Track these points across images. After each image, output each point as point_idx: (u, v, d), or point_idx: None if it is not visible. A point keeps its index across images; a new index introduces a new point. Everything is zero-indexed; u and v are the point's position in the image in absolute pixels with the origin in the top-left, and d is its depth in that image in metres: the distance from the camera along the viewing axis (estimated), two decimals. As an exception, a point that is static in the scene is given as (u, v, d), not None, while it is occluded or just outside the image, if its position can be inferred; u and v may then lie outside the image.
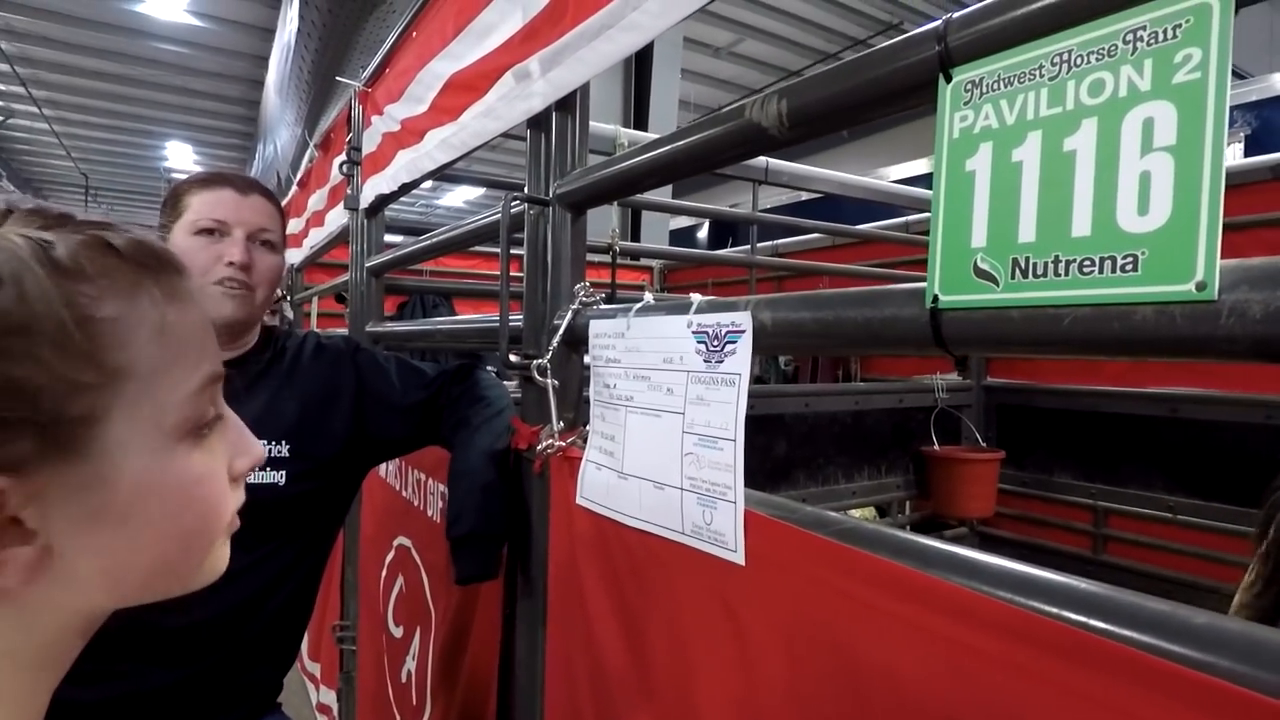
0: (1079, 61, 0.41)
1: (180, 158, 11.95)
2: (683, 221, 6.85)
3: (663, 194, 3.63)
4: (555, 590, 0.91)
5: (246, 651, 0.97)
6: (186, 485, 0.39)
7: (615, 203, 2.20)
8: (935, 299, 0.47)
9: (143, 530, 0.37)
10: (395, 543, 1.52)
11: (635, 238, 5.00)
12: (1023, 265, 0.43)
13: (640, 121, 5.27)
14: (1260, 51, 7.28)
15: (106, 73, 8.46)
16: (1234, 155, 3.89)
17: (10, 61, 7.82)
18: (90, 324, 0.34)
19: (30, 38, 7.52)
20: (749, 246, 2.57)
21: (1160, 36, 0.37)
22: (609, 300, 0.94)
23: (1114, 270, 0.39)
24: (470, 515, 0.97)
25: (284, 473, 0.97)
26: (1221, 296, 0.35)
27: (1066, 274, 0.41)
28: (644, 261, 4.06)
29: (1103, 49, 0.40)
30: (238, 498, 0.44)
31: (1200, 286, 0.35)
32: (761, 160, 2.14)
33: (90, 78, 8.59)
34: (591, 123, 1.03)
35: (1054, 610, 0.40)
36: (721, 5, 6.96)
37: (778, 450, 2.28)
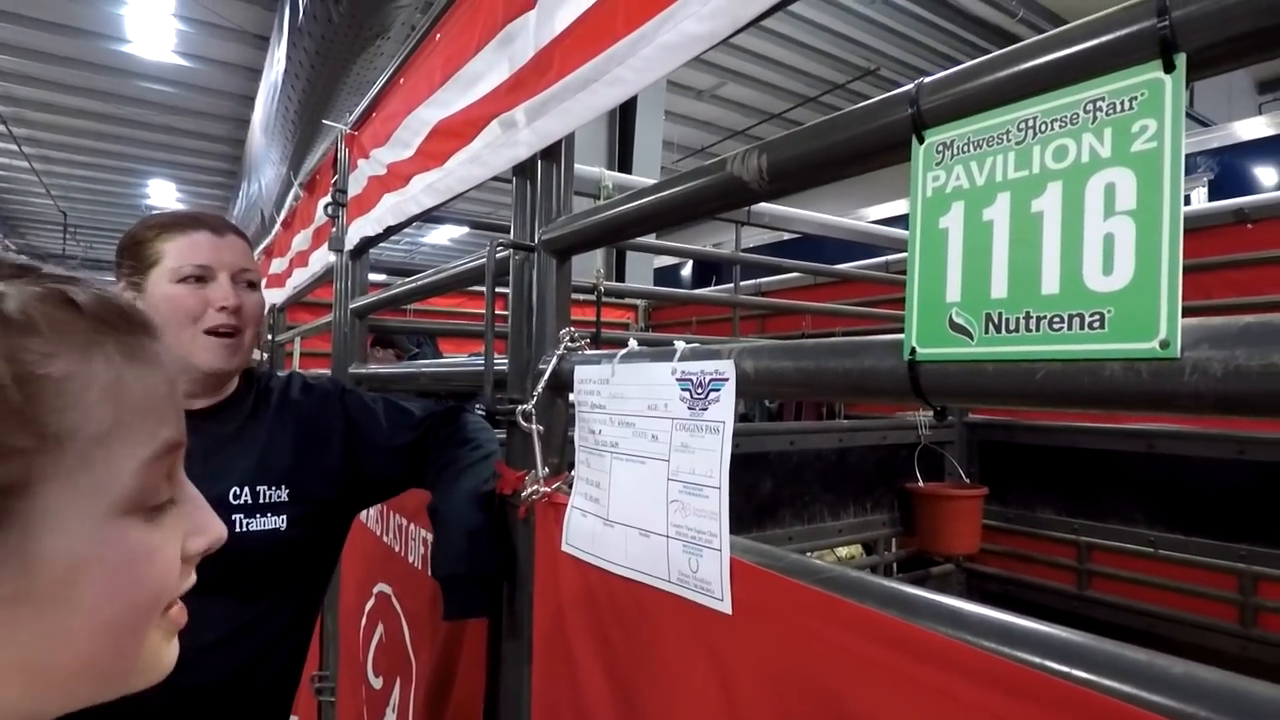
0: (1044, 128, 0.43)
1: (163, 196, 11.92)
2: (668, 260, 6.93)
3: (646, 236, 3.69)
4: (540, 639, 0.90)
5: (249, 711, 0.95)
6: (127, 564, 0.34)
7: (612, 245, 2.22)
8: (913, 351, 0.49)
9: (70, 618, 0.32)
10: (375, 590, 1.50)
11: (620, 276, 5.04)
12: (996, 320, 0.44)
13: (625, 162, 5.36)
14: (1220, 101, 7.60)
15: (90, 111, 8.48)
16: (1199, 199, 4.03)
17: (-8, 100, 7.84)
18: (32, 382, 0.31)
19: (13, 76, 7.54)
20: (732, 285, 2.61)
21: (1118, 107, 0.40)
22: (594, 339, 0.94)
23: (1082, 327, 0.40)
24: (456, 556, 0.96)
25: (284, 517, 0.96)
26: (1184, 354, 0.36)
27: (1038, 329, 0.42)
28: (629, 300, 4.08)
29: (1065, 117, 0.42)
30: (185, 582, 0.39)
31: (1164, 344, 0.37)
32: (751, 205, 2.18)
33: (73, 116, 8.60)
34: (578, 166, 1.06)
35: (1037, 660, 0.41)
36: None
37: (763, 488, 2.28)
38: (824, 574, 0.55)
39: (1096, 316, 0.40)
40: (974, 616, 0.46)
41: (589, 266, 2.29)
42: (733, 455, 0.62)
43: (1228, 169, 4.29)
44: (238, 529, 0.92)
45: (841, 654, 0.51)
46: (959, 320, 0.46)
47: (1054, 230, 0.42)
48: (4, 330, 0.31)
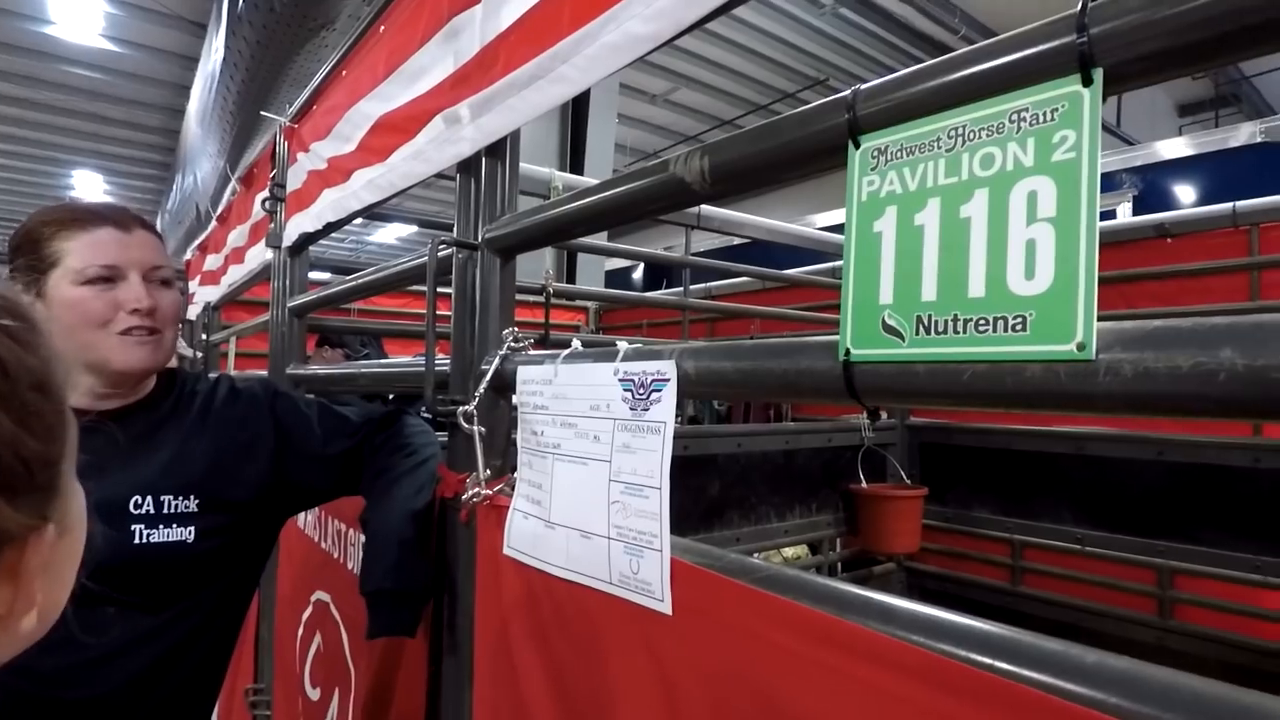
0: (971, 136, 0.44)
1: (89, 187, 11.34)
2: (619, 262, 6.94)
3: (599, 236, 3.68)
4: (482, 644, 0.88)
5: None
6: None
7: (556, 244, 2.21)
8: (848, 352, 0.50)
9: None
10: (313, 598, 1.45)
11: (571, 278, 5.02)
12: (926, 322, 0.45)
13: (577, 164, 5.34)
14: (1144, 121, 8.03)
15: (8, 96, 8.00)
16: (1124, 214, 4.24)
17: (-100, 81, 7.34)
18: None
19: (-75, 57, 7.08)
20: (682, 289, 2.62)
21: (1040, 118, 0.41)
22: (543, 341, 0.94)
23: (1006, 329, 0.42)
24: (384, 571, 0.93)
25: (192, 529, 0.91)
26: (1099, 356, 0.38)
27: (965, 331, 0.43)
28: (580, 302, 4.07)
29: (992, 126, 0.43)
30: None
31: (1080, 347, 0.38)
32: (695, 206, 2.20)
33: (-9, 101, 8.13)
34: (527, 165, 1.04)
35: (963, 653, 0.42)
36: (657, 55, 7.17)
37: (711, 490, 2.29)
38: (760, 573, 0.56)
39: (1019, 319, 0.41)
40: (904, 612, 0.47)
41: (539, 268, 2.27)
42: (681, 457, 0.62)
43: (1150, 186, 4.53)
44: (136, 540, 0.86)
45: (777, 651, 0.52)
46: (891, 322, 0.47)
47: (980, 235, 0.43)
48: None
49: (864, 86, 0.50)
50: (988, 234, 0.43)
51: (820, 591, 0.51)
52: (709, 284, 3.61)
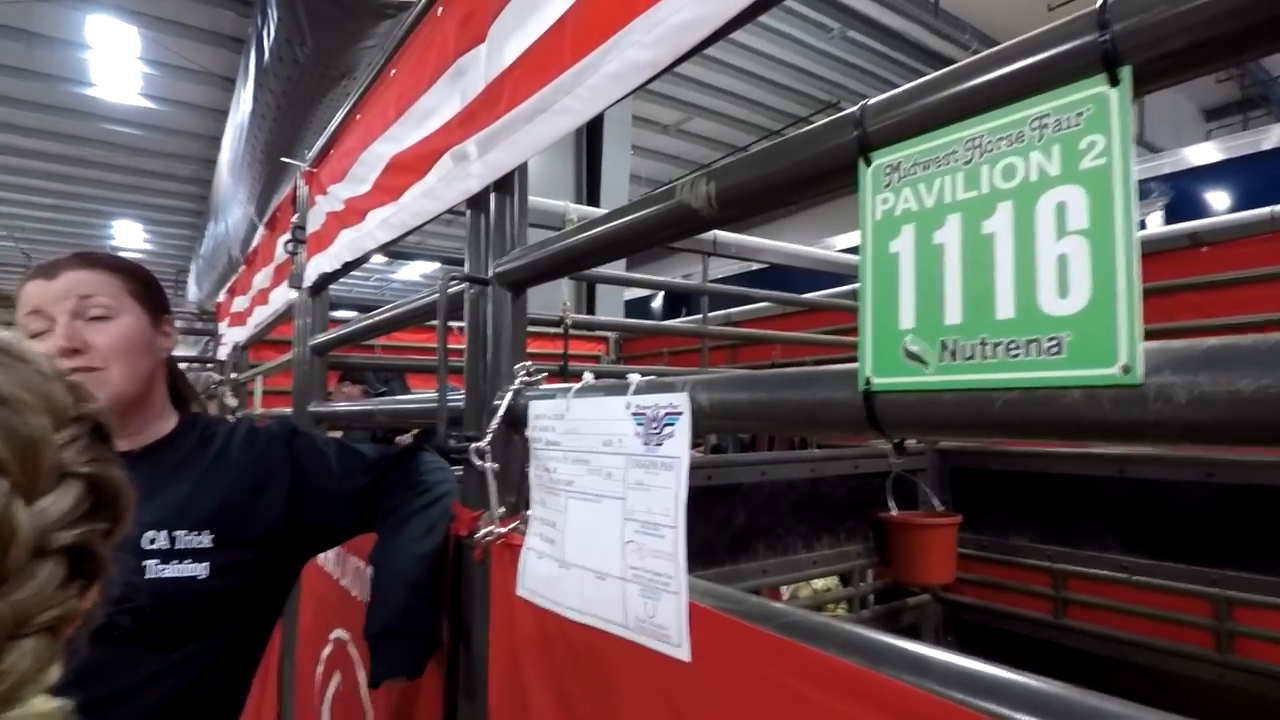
0: (991, 147, 0.41)
1: (129, 237, 11.74)
2: (639, 291, 6.94)
3: (616, 266, 3.69)
4: (496, 688, 0.85)
5: None
6: None
7: (567, 276, 2.20)
8: (868, 381, 0.46)
9: None
10: (332, 636, 1.42)
11: (591, 309, 5.03)
12: (951, 347, 0.42)
13: (593, 197, 5.38)
14: (1169, 128, 7.89)
15: (54, 154, 8.36)
16: (1155, 224, 4.14)
17: (-48, 144, 7.69)
18: None
19: (-25, 121, 7.43)
20: (701, 316, 2.60)
21: (1064, 124, 0.38)
22: (561, 373, 0.92)
23: (1040, 353, 0.38)
24: (388, 613, 0.91)
25: (206, 565, 0.90)
26: (1147, 380, 0.34)
27: (994, 356, 0.40)
28: (599, 332, 4.06)
29: (1012, 135, 0.40)
30: None
31: (1125, 370, 0.35)
32: (710, 233, 2.18)
33: (37, 159, 8.48)
34: (541, 199, 1.04)
35: (1006, 712, 0.38)
36: (668, 85, 7.28)
37: (736, 521, 2.23)
38: (784, 618, 0.52)
39: (1054, 342, 0.38)
40: (939, 664, 0.43)
41: (556, 299, 2.26)
42: (705, 487, 0.59)
43: (1181, 194, 4.43)
44: (149, 575, 0.86)
45: (803, 704, 0.48)
46: (913, 348, 0.44)
47: (1006, 252, 0.40)
48: None
49: (872, 101, 0.48)
50: (1014, 250, 0.40)
51: (849, 640, 0.47)
52: (729, 310, 3.58)
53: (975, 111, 0.42)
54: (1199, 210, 4.25)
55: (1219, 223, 2.29)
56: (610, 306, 5.36)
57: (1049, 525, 2.42)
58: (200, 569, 0.89)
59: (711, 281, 2.53)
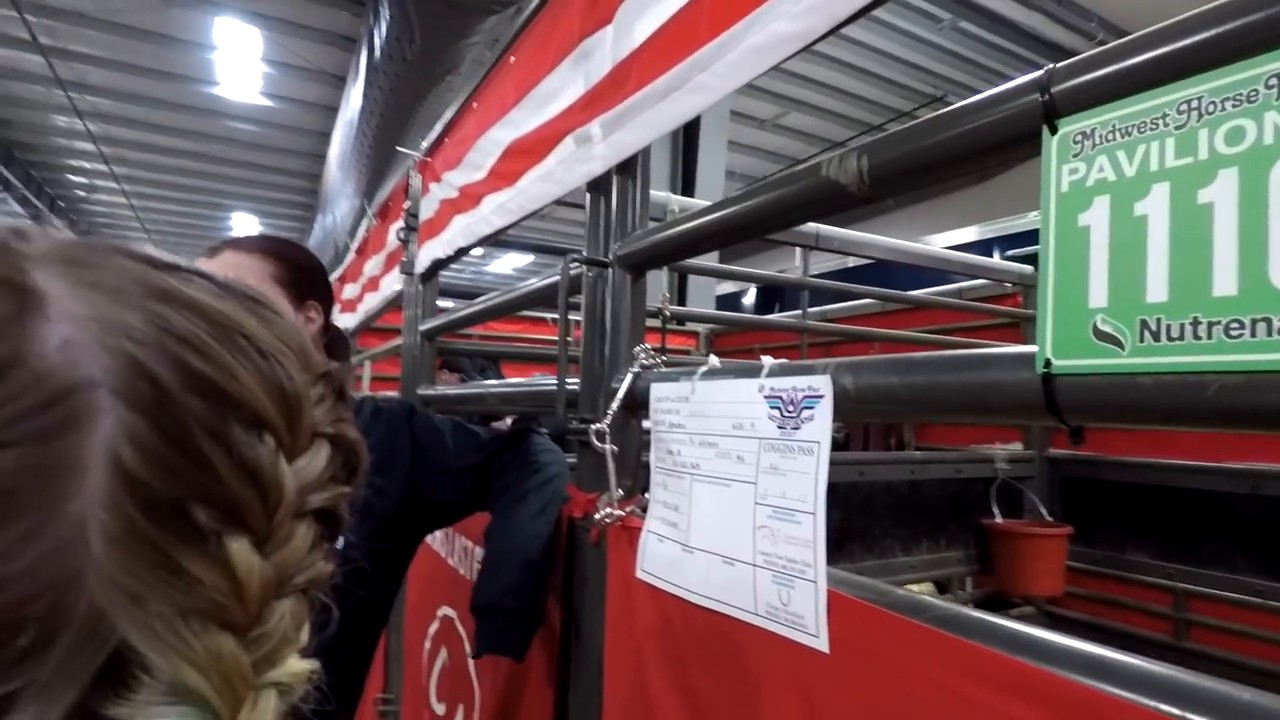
0: (1211, 109, 0.38)
1: (245, 228, 12.60)
2: (727, 288, 6.88)
3: (711, 259, 3.66)
4: (613, 671, 0.85)
5: None
6: None
7: (665, 267, 2.20)
8: (1048, 363, 0.43)
9: None
10: (439, 613, 1.48)
11: (682, 303, 5.02)
12: (1153, 327, 0.39)
13: (688, 190, 5.37)
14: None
15: (182, 150, 9.04)
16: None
17: (96, 142, 8.43)
18: None
19: (115, 119, 8.11)
20: (800, 311, 2.54)
21: (1310, 79, 0.34)
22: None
23: (1269, 333, 0.35)
24: (497, 588, 0.93)
25: (341, 537, 0.94)
26: None
27: (1209, 337, 0.37)
28: (690, 326, 4.05)
29: (1240, 95, 0.37)
30: None
31: (1384, 350, 0.31)
32: (812, 226, 2.14)
33: (167, 155, 9.19)
34: (646, 189, 1.04)
35: (1194, 718, 0.35)
36: (767, 79, 7.15)
37: (832, 520, 2.16)
38: (937, 611, 0.50)
39: (1288, 320, 0.34)
40: (1118, 664, 0.39)
41: (654, 291, 2.26)
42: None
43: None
44: None
45: (959, 701, 0.46)
46: (1105, 328, 0.41)
47: (1229, 223, 0.36)
48: None
49: (1061, 65, 0.45)
50: (1239, 221, 0.36)
51: (1010, 636, 0.45)
52: (823, 307, 3.49)
53: (1190, 72, 0.39)
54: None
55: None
56: (702, 300, 5.34)
57: (1171, 542, 2.26)
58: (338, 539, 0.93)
59: (811, 277, 2.47)
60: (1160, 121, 0.40)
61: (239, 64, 6.90)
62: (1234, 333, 0.36)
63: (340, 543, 0.94)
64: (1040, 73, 0.46)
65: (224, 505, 0.28)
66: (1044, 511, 2.49)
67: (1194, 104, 0.38)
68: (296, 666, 0.32)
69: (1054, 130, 0.45)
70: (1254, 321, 0.35)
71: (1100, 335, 0.41)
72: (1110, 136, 0.42)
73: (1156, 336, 0.39)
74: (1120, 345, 0.40)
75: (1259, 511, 2.05)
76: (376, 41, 4.23)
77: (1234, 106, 0.37)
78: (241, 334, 0.31)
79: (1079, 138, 0.43)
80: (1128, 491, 2.37)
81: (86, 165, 9.55)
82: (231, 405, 0.29)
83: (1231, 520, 2.11)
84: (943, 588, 2.46)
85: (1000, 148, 0.49)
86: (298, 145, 9.02)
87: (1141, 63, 0.41)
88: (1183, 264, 0.38)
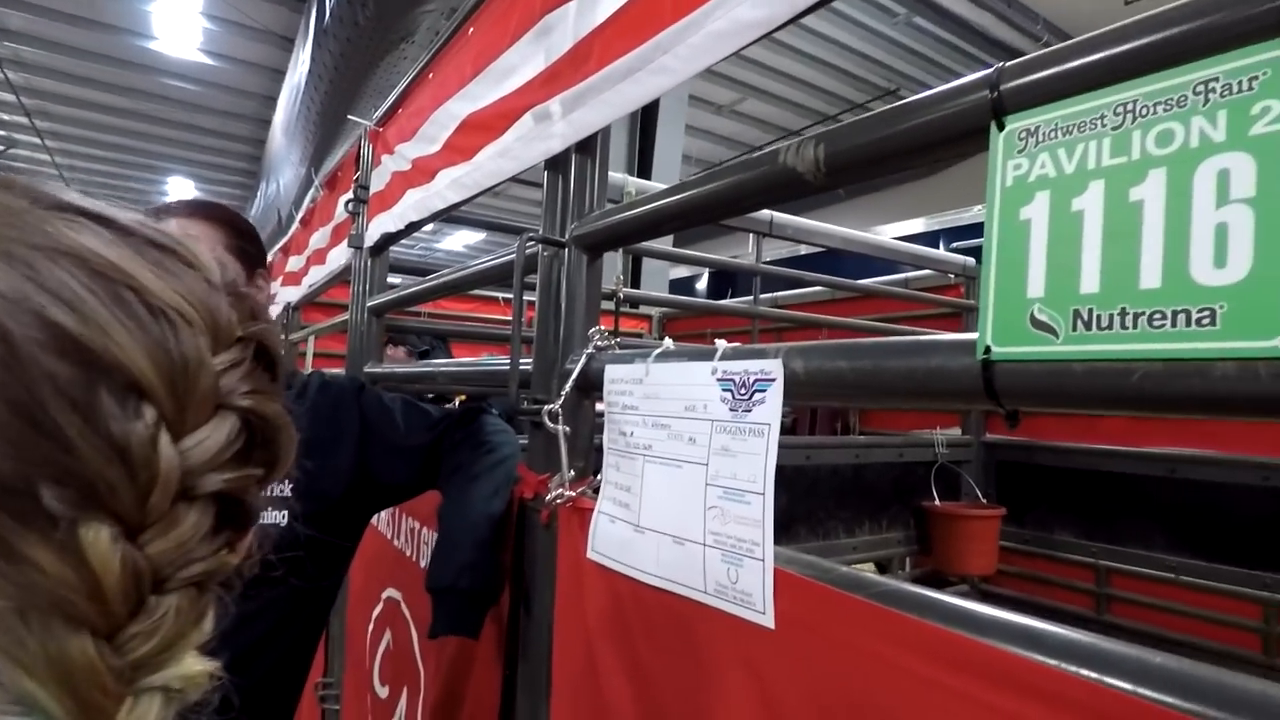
0: (1145, 112, 0.40)
1: (182, 193, 12.03)
2: (681, 272, 6.91)
3: (665, 243, 3.67)
4: (562, 650, 0.86)
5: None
6: None
7: (620, 250, 2.20)
8: (988, 350, 0.45)
9: None
10: (384, 595, 1.46)
11: (635, 286, 5.02)
12: (1085, 317, 0.41)
13: (644, 173, 5.35)
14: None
15: (114, 106, 8.55)
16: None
17: (16, 92, 7.89)
18: None
19: (38, 69, 7.60)
20: (751, 297, 2.58)
21: (1234, 89, 0.36)
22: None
23: (1188, 324, 0.37)
24: (453, 568, 0.92)
25: (285, 513, 0.92)
26: (1313, 355, 0.33)
27: (1135, 327, 0.39)
28: (642, 310, 4.06)
29: (1171, 99, 0.39)
30: None
31: (1289, 343, 0.34)
32: (766, 213, 2.16)
33: (97, 111, 8.67)
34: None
35: (1129, 687, 0.37)
36: (726, 65, 7.15)
37: (779, 503, 2.21)
38: (880, 587, 0.52)
39: (1206, 313, 0.36)
40: (1052, 636, 0.42)
41: (608, 273, 2.26)
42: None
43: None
44: None
45: (901, 674, 0.48)
46: (1042, 317, 0.43)
47: (1156, 220, 0.39)
48: None
49: (1010, 63, 0.46)
50: (1165, 218, 0.38)
51: (952, 611, 0.47)
52: (775, 294, 3.54)
53: (1126, 76, 0.41)
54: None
55: None
56: (655, 284, 5.35)
57: (1095, 522, 2.39)
58: (280, 517, 0.91)
59: (764, 263, 2.50)
60: (1099, 122, 0.42)
61: (178, 18, 6.54)
62: (1157, 323, 0.38)
63: (283, 520, 0.92)
64: (990, 70, 0.47)
65: (81, 486, 0.24)
66: (979, 494, 2.60)
67: (1129, 106, 0.40)
68: (190, 668, 0.28)
69: (1001, 126, 0.46)
70: (1175, 313, 0.38)
71: (1037, 324, 0.43)
72: (1052, 135, 0.44)
73: (1088, 325, 0.41)
74: (1055, 333, 0.42)
75: (1174, 493, 2.19)
76: (327, 3, 4.07)
77: (1165, 110, 0.39)
78: (129, 287, 0.27)
79: (1024, 135, 0.45)
80: (1057, 475, 2.50)
81: (4, 117, 8.95)
82: (101, 369, 0.25)
83: (1150, 502, 2.25)
84: (883, 568, 2.55)
85: (951, 141, 0.50)
86: (240, 108, 8.63)
87: (1084, 65, 0.43)
88: (1113, 257, 0.40)
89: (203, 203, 0.98)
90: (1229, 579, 2.03)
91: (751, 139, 9.02)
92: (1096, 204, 0.41)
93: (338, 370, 2.38)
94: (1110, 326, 0.40)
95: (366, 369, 1.70)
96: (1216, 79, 0.37)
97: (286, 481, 0.93)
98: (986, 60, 6.72)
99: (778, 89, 7.85)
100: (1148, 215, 0.39)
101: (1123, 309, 0.40)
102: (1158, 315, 0.38)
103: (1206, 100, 0.37)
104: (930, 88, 0.52)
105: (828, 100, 8.08)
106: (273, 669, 0.94)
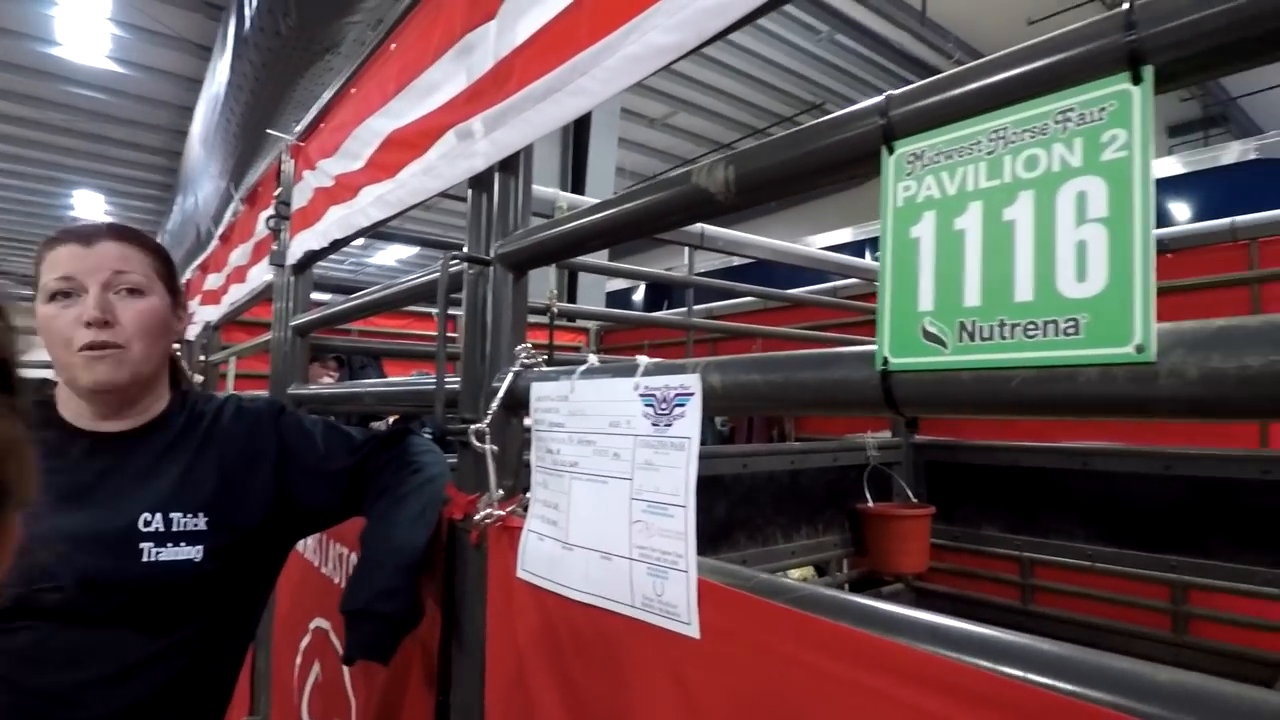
0: (1014, 138, 0.43)
1: (89, 207, 11.37)
2: (620, 283, 6.94)
3: (601, 256, 3.69)
4: (494, 672, 0.85)
5: None
6: None
7: (554, 264, 2.20)
8: (885, 361, 0.48)
9: None
10: (312, 625, 1.41)
11: (572, 299, 5.02)
12: (969, 329, 0.44)
13: (578, 186, 5.37)
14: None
15: (14, 116, 8.03)
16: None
17: (-97, 99, 7.36)
18: None
19: (-71, 74, 7.12)
20: (685, 309, 2.62)
21: (1088, 118, 0.40)
22: (548, 362, 0.92)
23: (1057, 333, 0.40)
24: (370, 591, 0.90)
25: (201, 548, 0.88)
26: (1160, 359, 0.36)
27: (1012, 337, 0.42)
28: (580, 323, 4.06)
29: (1035, 128, 0.42)
30: None
31: (1139, 349, 0.37)
32: (698, 226, 2.20)
33: (-6, 120, 8.16)
34: (534, 185, 1.04)
35: (1022, 675, 0.40)
36: (657, 79, 7.26)
37: (717, 511, 2.26)
38: (795, 593, 0.53)
39: (1071, 323, 0.39)
40: (957, 632, 0.44)
41: (542, 288, 2.26)
42: (687, 478, 0.60)
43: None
44: (145, 558, 0.84)
45: (816, 675, 0.50)
46: (932, 329, 0.46)
47: (1026, 238, 0.42)
48: None
49: (898, 91, 0.49)
50: (1034, 236, 0.42)
51: (863, 612, 0.49)
52: (710, 305, 3.60)
53: (1000, 104, 0.44)
54: (1163, 220, 4.38)
55: (1184, 231, 2.36)
56: (592, 297, 5.36)
57: (1018, 516, 2.50)
58: (195, 552, 0.88)
59: (696, 275, 2.54)
60: (976, 147, 0.45)
61: (84, 24, 6.21)
62: (1030, 333, 0.41)
63: (198, 555, 0.89)
64: (881, 98, 0.50)
65: None
66: (910, 494, 2.69)
67: (1001, 133, 0.44)
68: None
69: (891, 150, 0.49)
70: (1046, 323, 0.41)
71: (928, 336, 0.46)
72: (936, 159, 0.47)
73: (972, 337, 0.44)
74: (944, 344, 0.45)
75: (1088, 485, 2.31)
76: (247, 11, 3.94)
77: (1031, 137, 0.42)
78: None
79: (911, 158, 0.48)
80: (982, 472, 2.60)
81: (-111, 124, 8.30)
82: None
83: (1066, 494, 2.37)
84: (822, 571, 2.60)
85: (849, 164, 0.53)
86: (153, 119, 8.23)
87: (964, 94, 0.46)
88: (992, 273, 0.43)
89: (130, 228, 0.94)
90: (1139, 564, 2.15)
91: (685, 152, 9.16)
92: (976, 223, 0.44)
93: (260, 392, 2.30)
94: (991, 337, 0.43)
95: (290, 390, 1.65)
96: (1073, 109, 0.41)
97: (202, 515, 0.89)
98: (906, 76, 7.04)
99: (708, 103, 8.02)
100: (1019, 234, 0.42)
101: (1001, 320, 0.43)
102: (1031, 326, 0.41)
103: (1065, 128, 0.41)
104: (853, 102, 0.55)
105: (756, 114, 8.29)
106: (195, 702, 0.90)
